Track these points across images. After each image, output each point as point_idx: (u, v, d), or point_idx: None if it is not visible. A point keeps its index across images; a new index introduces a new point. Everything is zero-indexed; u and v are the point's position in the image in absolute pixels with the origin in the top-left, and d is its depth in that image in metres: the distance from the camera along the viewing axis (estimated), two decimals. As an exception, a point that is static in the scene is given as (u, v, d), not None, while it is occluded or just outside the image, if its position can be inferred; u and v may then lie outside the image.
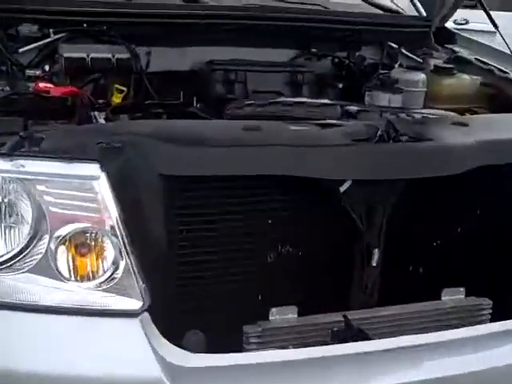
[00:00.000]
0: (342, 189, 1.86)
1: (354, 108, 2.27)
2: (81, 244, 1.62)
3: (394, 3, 3.27)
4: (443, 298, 1.99)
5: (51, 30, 2.55)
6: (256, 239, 1.90)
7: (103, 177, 1.61)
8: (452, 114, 2.51)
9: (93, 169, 1.62)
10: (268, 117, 2.17)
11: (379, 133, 1.90)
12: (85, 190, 1.61)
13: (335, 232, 1.95)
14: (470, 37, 3.39)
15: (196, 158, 1.76)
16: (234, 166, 1.76)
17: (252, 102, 2.30)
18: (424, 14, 3.34)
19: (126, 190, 1.65)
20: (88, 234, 1.63)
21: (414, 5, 3.38)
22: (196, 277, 1.85)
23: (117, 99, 2.61)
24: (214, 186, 1.80)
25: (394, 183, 1.88)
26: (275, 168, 1.77)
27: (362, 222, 1.91)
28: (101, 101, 2.43)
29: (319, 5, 3.14)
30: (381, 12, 3.15)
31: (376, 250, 1.94)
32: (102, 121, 2.25)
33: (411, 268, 2.06)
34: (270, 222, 1.89)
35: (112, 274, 1.63)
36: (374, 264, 1.94)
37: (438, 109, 2.68)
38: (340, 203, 1.88)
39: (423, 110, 2.52)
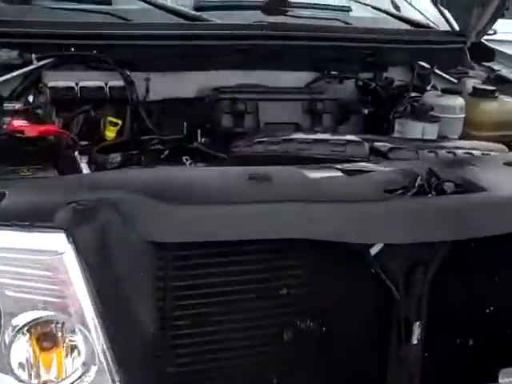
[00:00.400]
0: (373, 251, 1.51)
1: (384, 145, 1.90)
2: (43, 336, 1.28)
3: (425, 16, 2.90)
4: (501, 381, 1.62)
5: (34, 56, 2.22)
6: (269, 314, 1.54)
7: (71, 250, 1.27)
8: (499, 146, 2.14)
9: (58, 240, 1.28)
10: (281, 158, 1.83)
11: (418, 182, 1.54)
12: (48, 268, 1.27)
13: (366, 302, 1.59)
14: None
15: (195, 220, 1.41)
16: (236, 229, 1.41)
17: (262, 138, 1.95)
18: (457, 28, 2.97)
19: (102, 266, 1.30)
20: (53, 325, 1.28)
21: (446, 18, 3.00)
22: (196, 363, 1.50)
23: (110, 133, 2.27)
24: (214, 253, 1.44)
25: (437, 244, 1.52)
26: (287, 230, 1.42)
27: (399, 291, 1.55)
28: (85, 142, 2.08)
29: (338, 19, 2.79)
30: (409, 27, 2.78)
31: (416, 323, 1.58)
32: (85, 165, 1.91)
33: (459, 341, 1.69)
34: (285, 291, 1.54)
35: (82, 375, 1.28)
36: (415, 341, 1.58)
37: (479, 138, 2.32)
38: (371, 268, 1.53)
39: (465, 143, 2.15)
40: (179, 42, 2.36)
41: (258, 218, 1.42)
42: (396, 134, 2.47)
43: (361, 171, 1.61)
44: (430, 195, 1.52)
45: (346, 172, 1.61)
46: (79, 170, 1.87)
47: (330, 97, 2.41)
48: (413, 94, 2.61)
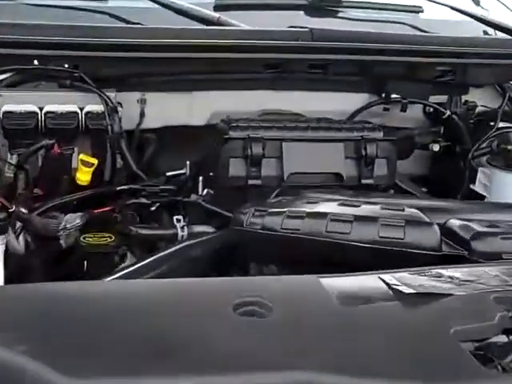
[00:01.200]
0: None
1: (465, 227, 1.22)
2: None
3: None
4: None
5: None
6: None
7: None
8: None
9: None
10: (301, 244, 1.19)
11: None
12: None
13: None
14: None
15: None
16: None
17: (279, 207, 1.31)
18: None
19: None
20: None
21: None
22: None
23: (84, 176, 1.68)
24: None
25: None
26: None
27: None
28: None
29: (405, 23, 2.12)
30: (503, 36, 2.06)
31: None
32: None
33: None
34: None
35: None
36: None
37: None
38: None
39: None
40: (190, 53, 1.72)
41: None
42: (478, 187, 1.80)
43: (428, 294, 0.94)
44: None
45: (400, 294, 0.94)
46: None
47: (388, 137, 1.73)
48: (502, 125, 1.93)
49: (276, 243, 1.26)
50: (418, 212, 1.24)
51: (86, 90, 1.67)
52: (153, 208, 1.62)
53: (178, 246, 1.37)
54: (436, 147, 1.99)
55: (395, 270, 1.04)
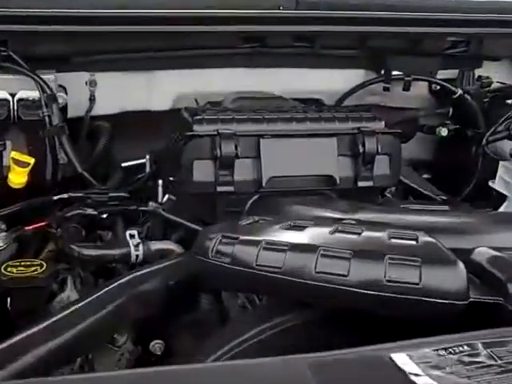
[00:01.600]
0: None
1: (501, 260, 0.93)
2: None
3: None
4: None
5: None
6: None
7: None
8: None
9: None
10: (290, 287, 0.90)
11: None
12: None
13: None
14: None
15: None
16: None
17: (257, 225, 1.00)
18: None
19: None
20: None
21: None
22: None
23: (17, 178, 1.37)
24: None
25: None
26: None
27: None
28: None
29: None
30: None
31: None
32: None
33: None
34: None
35: None
36: None
37: None
38: None
39: None
40: (147, 27, 1.40)
41: None
42: (498, 185, 1.50)
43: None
44: None
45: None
46: None
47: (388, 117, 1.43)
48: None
49: (249, 282, 0.96)
50: (437, 243, 0.93)
51: (17, 72, 1.35)
52: (104, 216, 1.31)
53: (120, 281, 1.07)
54: (444, 131, 1.70)
55: (411, 342, 0.74)
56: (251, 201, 1.26)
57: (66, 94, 1.46)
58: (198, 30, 1.42)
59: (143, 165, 1.49)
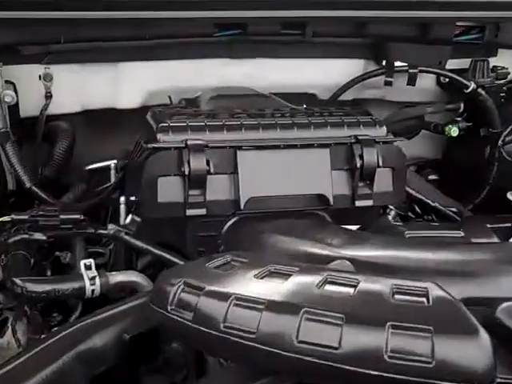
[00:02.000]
0: None
1: None
2: None
3: None
4: None
5: None
6: None
7: None
8: None
9: None
10: (266, 358, 0.71)
11: None
12: None
13: None
14: None
15: None
16: None
17: (228, 270, 0.81)
18: None
19: None
20: None
21: None
22: None
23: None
24: None
25: None
26: None
27: None
28: None
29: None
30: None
31: None
32: None
33: None
34: None
35: None
36: None
37: None
38: None
39: None
40: (109, 13, 1.19)
41: None
42: (515, 197, 1.31)
43: None
44: None
45: None
46: None
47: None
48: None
49: (215, 346, 0.76)
50: (452, 300, 0.73)
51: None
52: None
53: (63, 332, 0.87)
54: (454, 131, 1.50)
55: None
56: (227, 225, 1.06)
57: (16, 90, 1.26)
58: (169, 16, 1.22)
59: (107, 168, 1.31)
